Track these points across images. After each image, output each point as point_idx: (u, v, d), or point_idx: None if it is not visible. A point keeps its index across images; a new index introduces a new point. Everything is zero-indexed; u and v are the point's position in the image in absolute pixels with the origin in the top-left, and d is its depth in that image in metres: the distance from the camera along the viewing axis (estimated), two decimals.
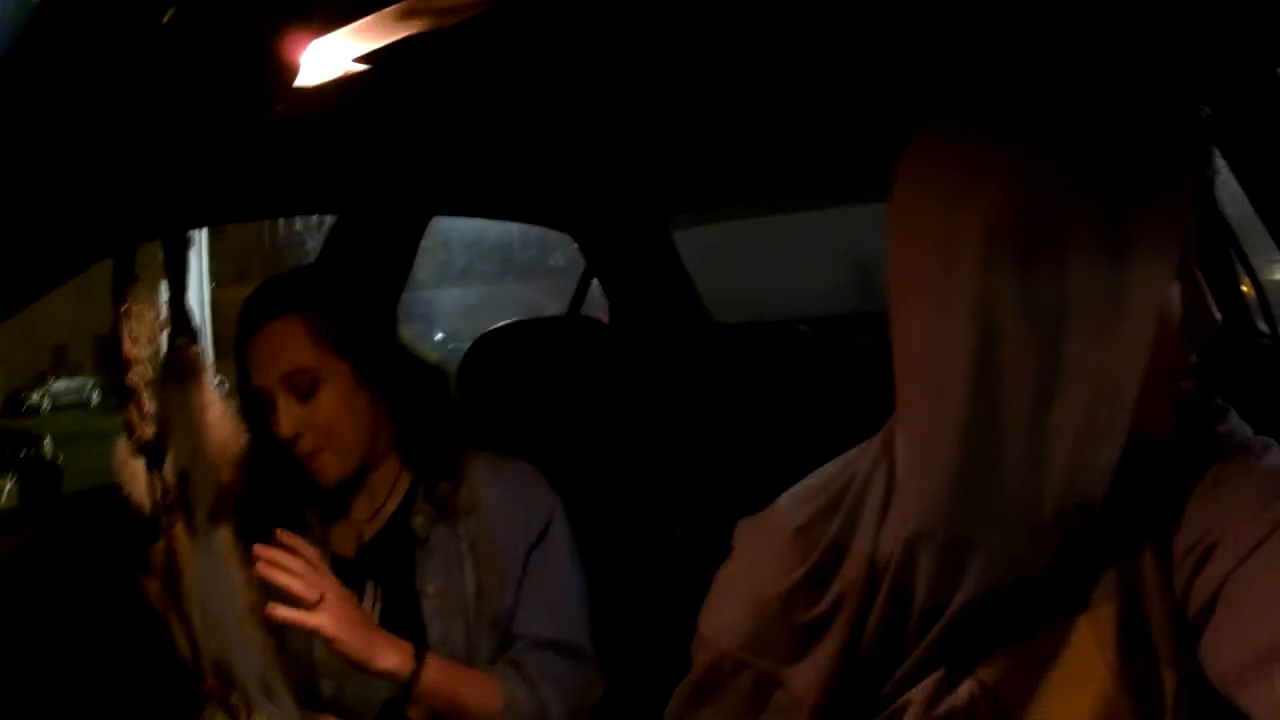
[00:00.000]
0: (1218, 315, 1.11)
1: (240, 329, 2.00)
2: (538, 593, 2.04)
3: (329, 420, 1.96)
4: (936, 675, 1.16)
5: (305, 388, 1.94)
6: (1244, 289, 2.86)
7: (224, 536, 1.07)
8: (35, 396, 27.67)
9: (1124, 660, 1.09)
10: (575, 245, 3.86)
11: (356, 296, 2.06)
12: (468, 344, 2.73)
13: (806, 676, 1.21)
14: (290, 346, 1.94)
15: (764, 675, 1.24)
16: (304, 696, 1.90)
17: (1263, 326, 2.85)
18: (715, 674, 1.28)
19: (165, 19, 0.89)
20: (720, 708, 1.28)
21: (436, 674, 1.87)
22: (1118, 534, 1.13)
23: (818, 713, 1.21)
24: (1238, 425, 1.16)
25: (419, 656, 1.86)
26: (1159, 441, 1.11)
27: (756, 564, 1.29)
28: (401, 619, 2.00)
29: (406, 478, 2.09)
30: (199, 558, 1.03)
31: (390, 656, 1.83)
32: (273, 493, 1.99)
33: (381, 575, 2.04)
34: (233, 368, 1.98)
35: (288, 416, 1.94)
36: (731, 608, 1.29)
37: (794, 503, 1.31)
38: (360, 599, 2.00)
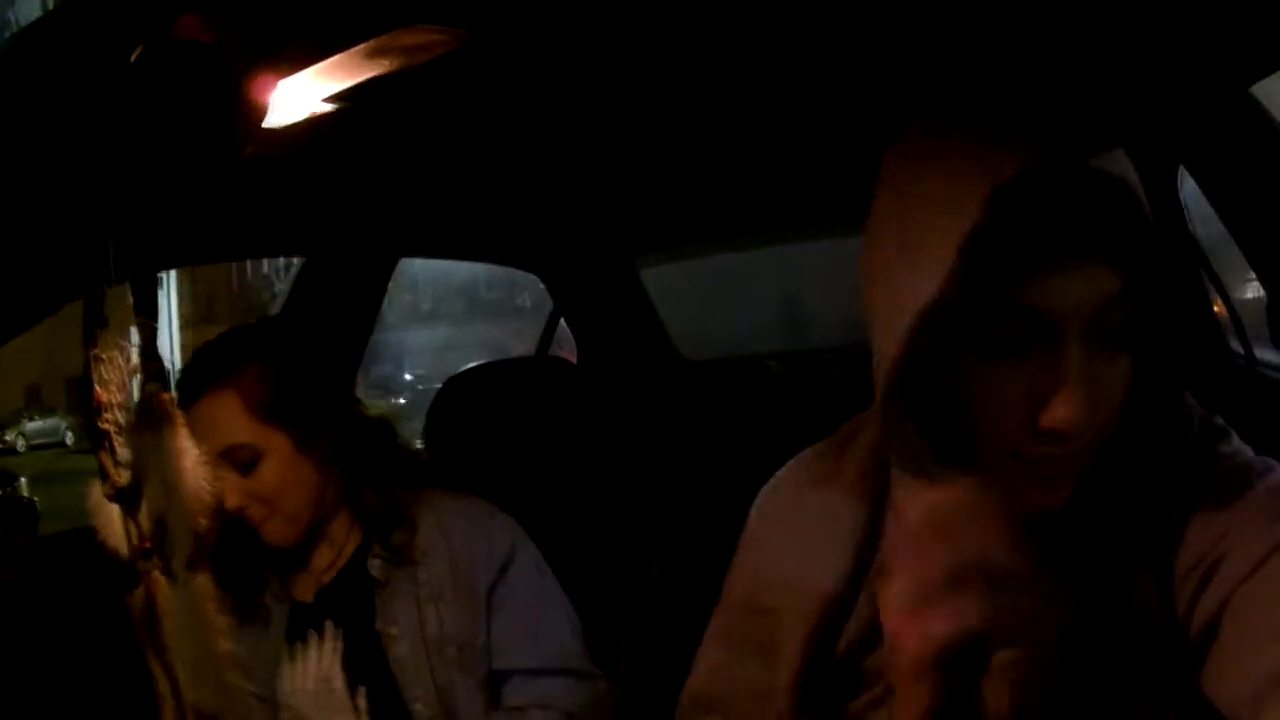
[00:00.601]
0: (1074, 414, 1.04)
1: (179, 398, 1.95)
2: (513, 625, 2.02)
3: (272, 491, 1.92)
4: None
5: (245, 461, 1.89)
6: (1216, 309, 2.87)
7: (202, 584, 1.06)
8: (10, 436, 27.85)
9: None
10: (542, 286, 3.85)
11: (301, 357, 2.02)
12: (437, 384, 2.72)
13: None
14: (224, 422, 1.89)
15: None
16: None
17: (1236, 347, 2.86)
18: None
19: (133, 57, 0.88)
20: None
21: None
22: (1109, 558, 1.13)
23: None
24: (1239, 446, 1.16)
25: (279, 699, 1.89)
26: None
27: None
28: (364, 658, 1.98)
29: (360, 527, 2.07)
30: (179, 605, 1.01)
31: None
32: (235, 542, 1.96)
33: (341, 617, 2.02)
34: None
35: (230, 489, 1.88)
36: None
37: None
38: (320, 638, 2.00)
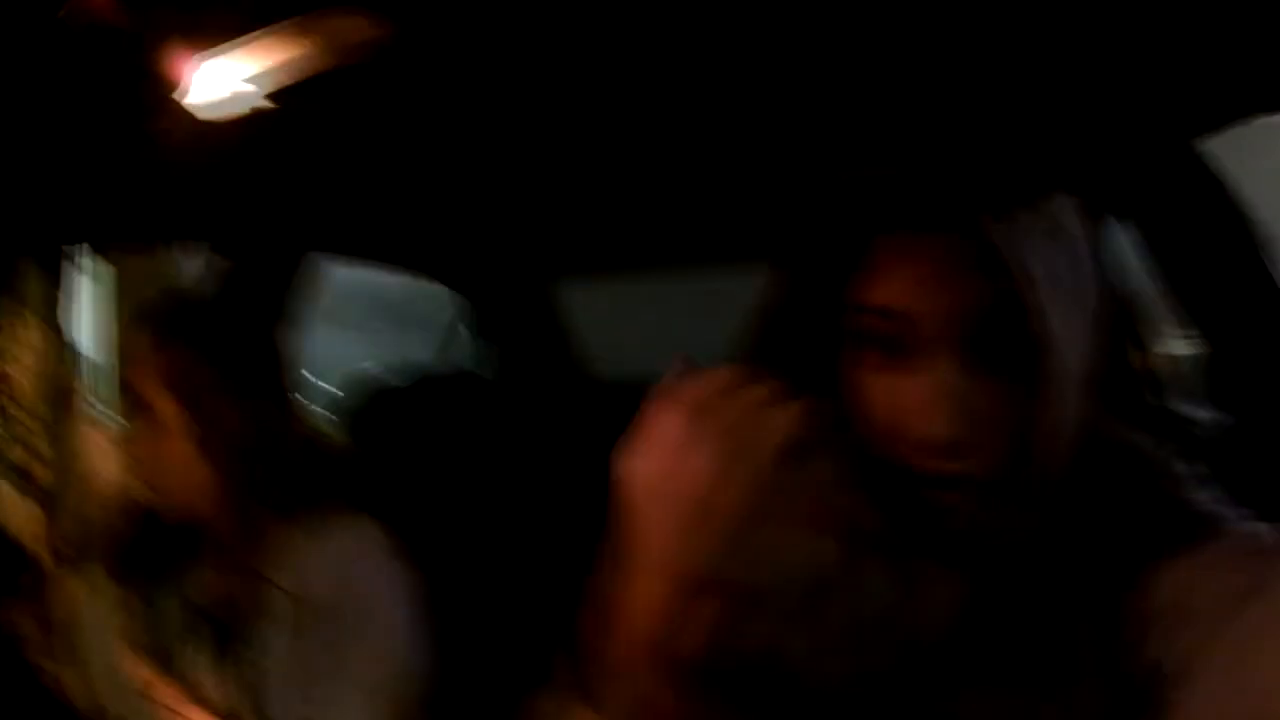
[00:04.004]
0: (934, 422, 1.06)
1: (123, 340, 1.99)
2: (342, 671, 1.90)
3: (161, 462, 1.88)
4: None
5: (148, 419, 1.87)
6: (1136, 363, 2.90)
7: (105, 579, 1.05)
8: None
9: None
10: (444, 294, 3.83)
11: (240, 357, 1.97)
12: (352, 394, 2.70)
13: None
14: (142, 373, 1.88)
15: None
16: None
17: (1154, 401, 2.91)
18: None
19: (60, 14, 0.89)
20: None
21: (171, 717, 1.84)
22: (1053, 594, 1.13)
23: None
24: (1214, 495, 1.15)
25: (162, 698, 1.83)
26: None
27: None
28: (230, 681, 1.94)
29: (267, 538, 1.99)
30: (90, 607, 1.01)
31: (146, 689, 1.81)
32: (145, 533, 1.94)
33: (222, 628, 1.97)
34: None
35: (133, 440, 1.88)
36: None
37: None
38: (205, 647, 1.95)
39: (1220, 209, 2.06)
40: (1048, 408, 1.05)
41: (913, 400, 1.07)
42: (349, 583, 1.93)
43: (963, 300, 1.05)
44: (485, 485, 2.51)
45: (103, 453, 1.08)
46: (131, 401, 1.88)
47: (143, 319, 1.93)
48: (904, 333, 1.08)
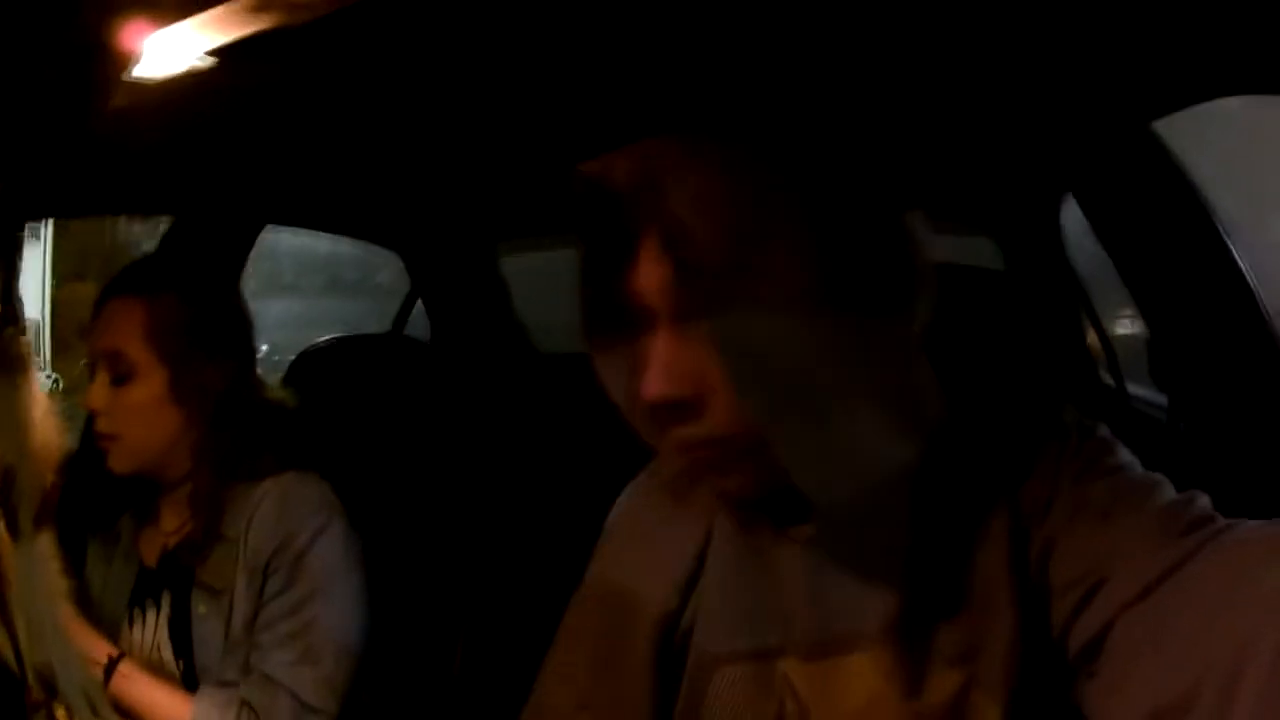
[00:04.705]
0: (646, 388, 1.12)
1: (100, 293, 2.00)
2: (278, 623, 1.93)
3: (128, 414, 1.93)
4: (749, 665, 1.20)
5: (121, 373, 1.92)
6: (1090, 342, 2.91)
7: (45, 541, 1.04)
8: None
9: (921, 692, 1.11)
10: (401, 265, 3.82)
11: (219, 314, 2.02)
12: (291, 357, 2.69)
13: None
14: (121, 327, 1.93)
15: None
16: None
17: (1108, 380, 2.92)
18: None
19: None
20: None
21: (122, 683, 1.85)
22: (954, 562, 1.14)
23: None
24: (1125, 460, 1.15)
25: (111, 665, 1.85)
26: None
27: None
28: (179, 638, 1.97)
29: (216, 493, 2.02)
30: (22, 562, 0.99)
31: (93, 654, 1.83)
32: (88, 496, 1.94)
33: (174, 589, 1.99)
34: (69, 366, 1.97)
35: (97, 392, 1.92)
36: None
37: None
38: (158, 609, 1.99)
39: (1173, 191, 2.06)
40: (729, 355, 1.07)
41: (638, 372, 1.13)
42: (309, 543, 1.96)
43: (671, 262, 1.08)
44: (413, 447, 2.50)
45: (44, 413, 1.06)
46: (99, 354, 1.93)
47: (123, 275, 2.00)
48: (636, 311, 1.13)
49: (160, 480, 2.01)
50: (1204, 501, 1.07)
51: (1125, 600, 0.99)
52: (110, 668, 1.84)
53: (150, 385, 1.93)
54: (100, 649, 1.85)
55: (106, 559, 2.05)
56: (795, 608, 1.19)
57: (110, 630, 1.95)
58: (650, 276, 1.12)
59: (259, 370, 2.12)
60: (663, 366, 1.11)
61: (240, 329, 2.07)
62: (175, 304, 1.94)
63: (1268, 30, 1.47)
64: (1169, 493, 1.09)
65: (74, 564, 1.92)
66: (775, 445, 1.09)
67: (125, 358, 1.92)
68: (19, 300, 1.02)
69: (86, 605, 1.90)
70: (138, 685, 1.86)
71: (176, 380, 1.94)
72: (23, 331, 1.03)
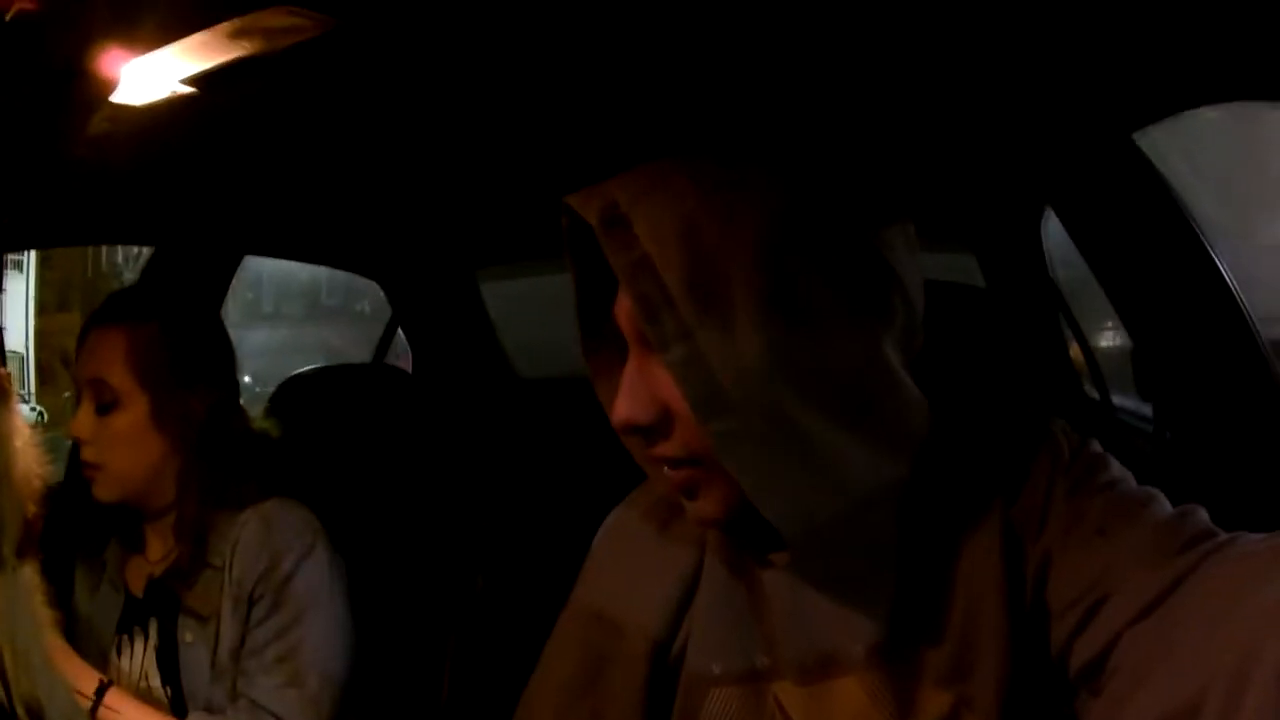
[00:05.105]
0: (614, 413, 1.17)
1: (84, 323, 2.00)
2: (264, 649, 1.92)
3: (112, 443, 1.92)
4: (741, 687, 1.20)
5: (105, 401, 1.91)
6: (1073, 355, 2.91)
7: (29, 572, 1.03)
8: None
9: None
10: (382, 293, 3.82)
11: (202, 345, 2.01)
12: (272, 387, 2.68)
13: None
14: (104, 356, 1.92)
15: None
16: None
17: (1092, 392, 2.92)
18: None
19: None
20: None
21: (110, 712, 1.82)
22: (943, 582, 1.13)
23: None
24: (1119, 472, 1.15)
25: (100, 691, 1.83)
26: None
27: None
28: (166, 665, 1.96)
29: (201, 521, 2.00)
30: (6, 593, 0.98)
31: (78, 685, 1.78)
32: (73, 526, 1.93)
33: (161, 617, 1.98)
34: (53, 398, 1.96)
35: (82, 420, 1.92)
36: None
37: None
38: (145, 637, 1.98)
39: (1154, 200, 2.06)
40: (686, 385, 1.07)
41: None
42: (293, 568, 1.95)
43: (633, 295, 1.08)
44: (397, 474, 2.49)
45: (25, 443, 1.05)
46: (83, 383, 1.92)
47: (107, 304, 1.99)
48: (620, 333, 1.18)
49: (145, 509, 1.99)
50: (1201, 515, 1.06)
51: (1128, 619, 0.99)
52: (99, 696, 1.83)
53: (133, 413, 1.92)
54: (89, 678, 1.84)
55: (93, 588, 2.04)
56: (781, 630, 1.19)
57: (98, 659, 1.93)
58: (622, 305, 1.15)
59: (241, 401, 2.11)
60: (628, 391, 1.15)
61: (222, 358, 2.06)
62: (157, 333, 1.93)
63: (1246, 39, 1.48)
64: (1165, 507, 1.09)
65: (60, 594, 1.92)
66: (736, 475, 1.09)
67: (108, 386, 1.91)
68: (1, 329, 1.02)
69: (73, 635, 1.89)
70: (127, 713, 1.85)
71: (159, 408, 1.93)
72: (3, 362, 1.03)
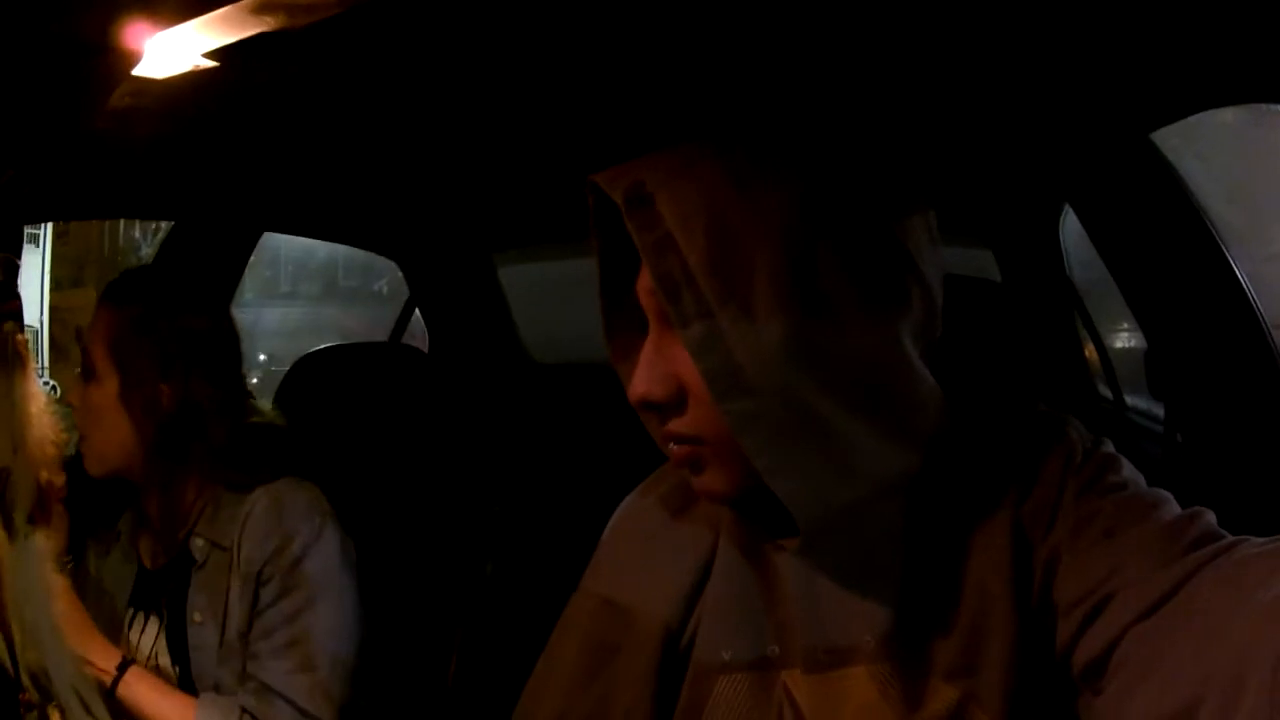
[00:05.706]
0: (631, 388, 1.20)
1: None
2: (274, 631, 1.93)
3: (89, 414, 1.96)
4: (750, 675, 1.21)
5: (87, 369, 1.96)
6: (1088, 354, 2.91)
7: (41, 541, 1.03)
8: None
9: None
10: (400, 273, 3.83)
11: (184, 335, 1.99)
12: (288, 365, 2.68)
13: None
14: (94, 329, 1.97)
15: None
16: None
17: (1105, 392, 2.91)
18: None
19: None
20: None
21: (131, 690, 1.86)
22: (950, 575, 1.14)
23: None
24: (1129, 476, 1.15)
25: (121, 668, 1.86)
26: None
27: None
28: (175, 644, 1.97)
29: (202, 503, 2.02)
30: (16, 562, 0.98)
31: (99, 660, 1.85)
32: (90, 496, 1.94)
33: (171, 595, 1.99)
34: (66, 373, 1.98)
35: (74, 387, 1.99)
36: None
37: None
38: (157, 614, 2.00)
39: (1171, 202, 2.06)
40: (704, 363, 1.09)
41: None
42: (303, 551, 1.96)
43: (655, 273, 1.09)
44: (410, 455, 2.49)
45: (40, 410, 1.05)
46: (82, 354, 1.97)
47: (114, 281, 2.03)
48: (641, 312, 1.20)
49: (137, 485, 2.01)
50: (1208, 519, 1.06)
51: (1131, 619, 0.99)
52: (120, 673, 1.84)
53: (105, 390, 1.94)
54: (110, 654, 1.86)
55: (107, 557, 2.05)
56: (790, 618, 1.19)
57: (110, 631, 1.95)
58: (644, 283, 1.16)
59: (256, 379, 2.11)
60: (646, 367, 1.17)
61: (217, 353, 2.04)
62: (138, 317, 1.95)
63: (1263, 40, 1.47)
64: (1173, 510, 1.09)
65: (75, 562, 1.96)
66: (751, 455, 1.09)
67: (90, 359, 1.95)
68: (18, 296, 1.02)
69: (85, 604, 1.90)
70: (144, 690, 1.86)
71: (126, 391, 1.94)
72: (21, 328, 1.03)
